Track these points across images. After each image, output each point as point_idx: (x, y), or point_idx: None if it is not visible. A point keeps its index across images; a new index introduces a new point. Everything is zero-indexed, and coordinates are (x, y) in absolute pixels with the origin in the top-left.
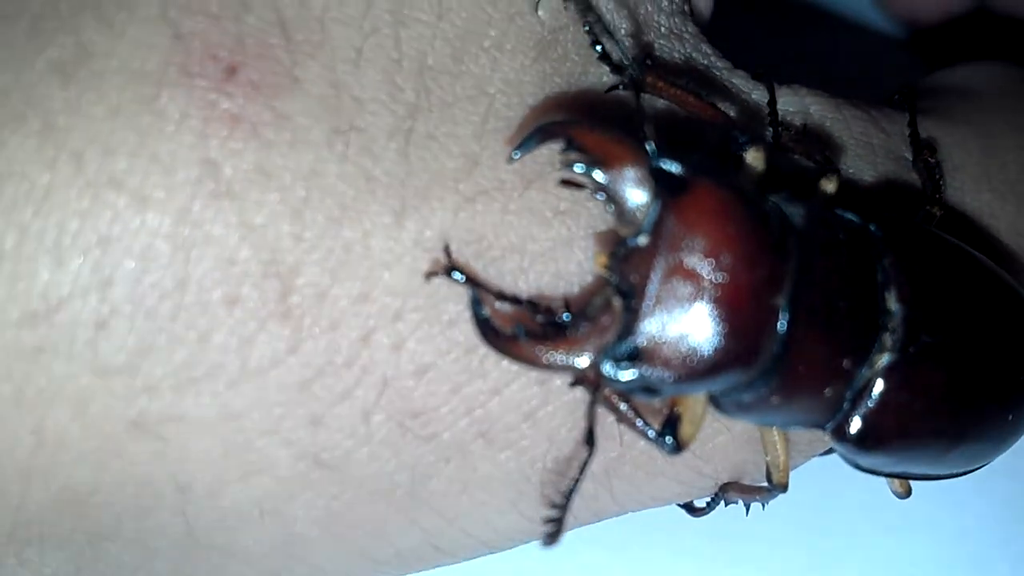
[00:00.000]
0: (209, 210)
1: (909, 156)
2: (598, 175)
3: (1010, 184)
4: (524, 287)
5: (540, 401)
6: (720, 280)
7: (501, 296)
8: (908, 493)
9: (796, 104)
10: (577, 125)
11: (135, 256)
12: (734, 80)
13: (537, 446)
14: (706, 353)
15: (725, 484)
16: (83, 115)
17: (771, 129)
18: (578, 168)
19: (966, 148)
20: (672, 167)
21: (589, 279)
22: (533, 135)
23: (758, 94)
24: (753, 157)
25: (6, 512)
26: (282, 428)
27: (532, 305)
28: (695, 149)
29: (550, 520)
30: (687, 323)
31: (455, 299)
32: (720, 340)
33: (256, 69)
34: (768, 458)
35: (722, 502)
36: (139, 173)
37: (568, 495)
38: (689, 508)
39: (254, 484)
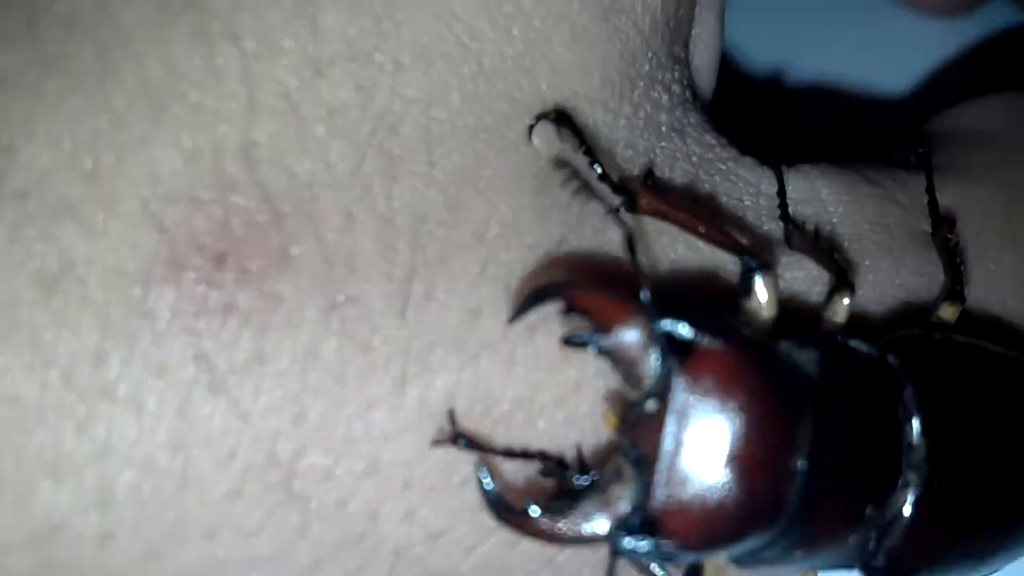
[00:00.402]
0: (205, 407)
1: (928, 229)
2: (599, 340)
3: None
4: (534, 438)
5: (558, 548)
6: (734, 447)
7: (510, 454)
8: None
9: (807, 191)
10: (574, 286)
11: (134, 466)
12: (740, 172)
13: None
14: (722, 522)
15: None
16: (69, 327)
17: (783, 226)
18: (578, 337)
19: (988, 209)
20: (675, 328)
21: (601, 424)
22: (530, 298)
23: (766, 184)
24: (763, 285)
25: None
26: None
27: (543, 458)
28: (701, 293)
29: None
30: (702, 493)
31: (465, 459)
32: (736, 509)
33: (245, 252)
34: None
35: None
36: (131, 380)
37: None
38: None
39: None
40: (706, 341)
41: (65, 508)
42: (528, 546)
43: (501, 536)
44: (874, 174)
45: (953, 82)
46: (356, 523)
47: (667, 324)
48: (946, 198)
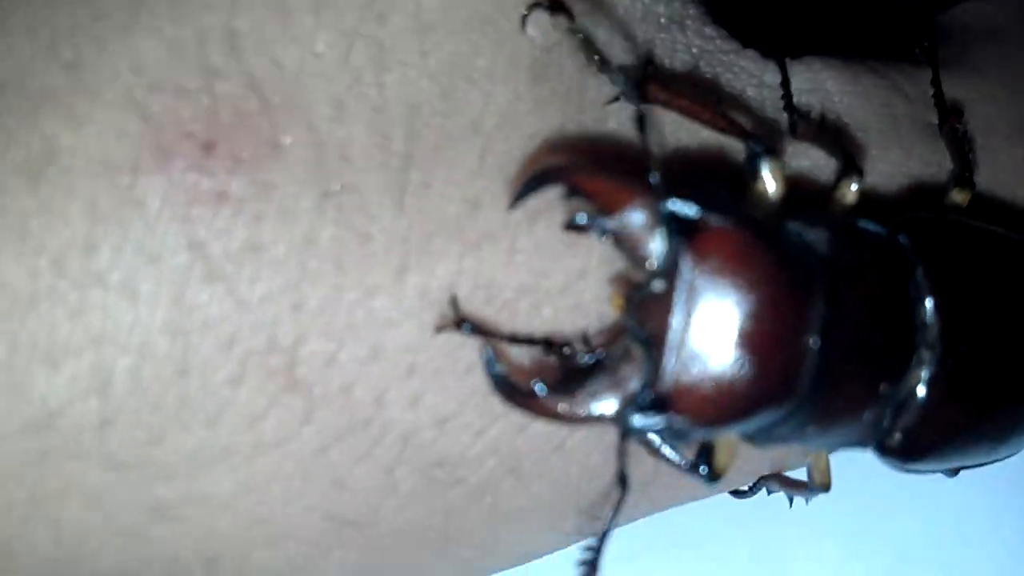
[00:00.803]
0: (202, 294)
1: (935, 121)
2: (604, 222)
3: None
4: (539, 326)
5: (567, 433)
6: (744, 324)
7: (515, 340)
8: (956, 473)
9: (811, 81)
10: (575, 169)
11: (131, 352)
12: (743, 64)
13: (569, 474)
14: (733, 399)
15: (767, 475)
16: (57, 215)
17: (787, 116)
18: (580, 219)
19: (995, 102)
20: (682, 207)
21: (607, 309)
22: (530, 183)
23: (770, 75)
24: (769, 169)
25: None
26: (304, 495)
27: (549, 345)
28: (707, 177)
29: (584, 563)
30: (712, 370)
31: (470, 346)
32: (748, 385)
33: (235, 141)
34: (809, 459)
35: (763, 489)
36: (124, 267)
37: (603, 537)
38: (733, 492)
39: (282, 548)
40: (713, 220)
41: (63, 394)
42: (537, 430)
43: (509, 421)
44: (880, 66)
45: None
46: (361, 408)
47: (674, 203)
48: (953, 91)
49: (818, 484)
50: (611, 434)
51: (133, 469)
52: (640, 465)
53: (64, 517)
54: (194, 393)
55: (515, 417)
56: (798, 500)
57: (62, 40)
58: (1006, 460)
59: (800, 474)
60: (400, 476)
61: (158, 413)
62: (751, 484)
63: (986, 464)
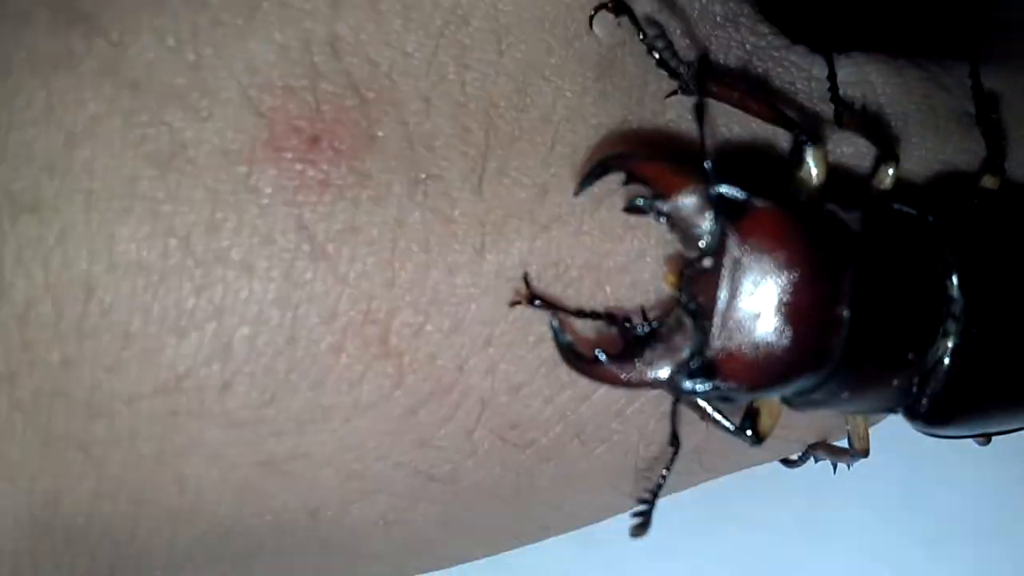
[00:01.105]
0: (308, 271)
1: (972, 111)
2: (659, 204)
3: None
4: (602, 301)
5: (627, 401)
6: (783, 297)
7: (581, 314)
8: (988, 441)
9: (856, 75)
10: (634, 157)
11: (248, 322)
12: (792, 59)
13: (629, 439)
14: (773, 365)
15: (813, 444)
16: (184, 200)
17: (833, 107)
18: (639, 202)
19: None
20: (730, 191)
21: (664, 287)
22: (594, 170)
23: (818, 69)
24: (813, 157)
25: (160, 548)
26: (394, 452)
27: (610, 318)
28: (754, 165)
29: (638, 513)
30: (754, 338)
31: (540, 321)
32: (786, 352)
33: (336, 134)
34: (848, 427)
35: (812, 458)
36: (242, 247)
37: (655, 491)
38: (784, 460)
39: (375, 501)
40: (758, 202)
41: (189, 360)
42: (599, 398)
43: (574, 389)
44: (922, 60)
45: None
46: (445, 375)
47: (723, 188)
48: (990, 83)
49: (858, 450)
50: (666, 402)
51: (248, 427)
52: (693, 433)
53: (187, 472)
54: (301, 359)
55: (580, 386)
56: (842, 468)
57: (186, 44)
58: None
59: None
60: (478, 437)
61: (270, 377)
62: (800, 453)
63: (1013, 431)
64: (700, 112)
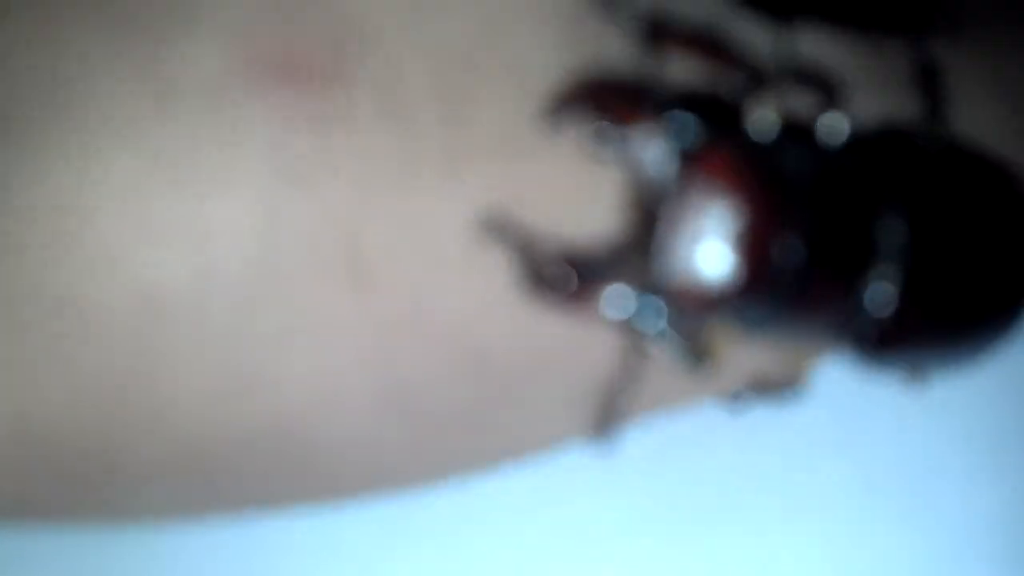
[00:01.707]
0: (283, 192)
1: (914, 76)
2: (615, 132)
3: (1020, 95)
4: (562, 233)
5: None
6: (731, 223)
7: (540, 245)
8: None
9: (808, 43)
10: (596, 86)
11: (224, 239)
12: (736, 24)
13: (585, 367)
14: (722, 287)
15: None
16: (171, 122)
17: (776, 65)
18: (597, 130)
19: (975, 61)
20: (684, 120)
21: (621, 223)
22: (559, 101)
23: (761, 33)
24: (764, 101)
25: (135, 457)
26: (363, 372)
27: (568, 249)
28: (707, 103)
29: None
30: (705, 261)
31: (502, 249)
32: (733, 275)
33: (313, 66)
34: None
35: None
36: (224, 168)
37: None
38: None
39: (343, 422)
40: (711, 133)
41: (164, 271)
42: (559, 325)
43: (535, 318)
44: (868, 30)
45: None
46: (412, 297)
47: (675, 115)
48: (935, 53)
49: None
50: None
51: (222, 340)
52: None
53: (158, 385)
54: (273, 276)
55: (541, 314)
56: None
57: None
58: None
59: None
60: (443, 359)
61: (243, 291)
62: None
63: (953, 367)
64: (648, 44)
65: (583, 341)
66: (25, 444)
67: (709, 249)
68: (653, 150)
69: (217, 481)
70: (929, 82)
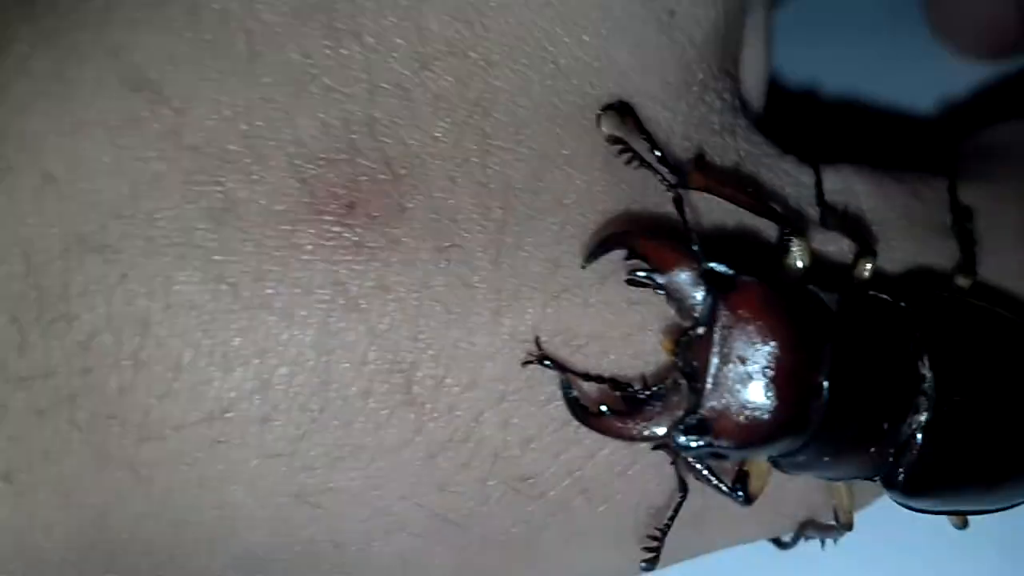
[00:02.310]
0: (342, 322)
1: (948, 222)
2: (657, 278)
3: None
4: (607, 368)
5: (629, 461)
6: (766, 362)
7: (587, 377)
8: (965, 524)
9: (841, 183)
10: (635, 235)
11: (287, 363)
12: (784, 166)
13: (630, 499)
14: (759, 424)
15: (804, 522)
16: (234, 251)
17: (819, 210)
18: (639, 274)
19: (1004, 209)
20: (719, 268)
21: (662, 359)
22: (599, 246)
23: (806, 177)
24: (797, 247)
25: (197, 571)
26: (415, 494)
27: (614, 383)
28: (742, 248)
29: (649, 549)
30: (742, 400)
31: (549, 381)
32: (770, 413)
33: (370, 202)
34: (834, 502)
35: (803, 538)
36: (284, 296)
37: (664, 529)
38: (776, 541)
39: (395, 540)
40: (743, 278)
41: (232, 392)
42: (604, 457)
43: (581, 447)
44: (903, 174)
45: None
46: (462, 425)
47: (711, 263)
48: (966, 197)
49: (843, 523)
50: (666, 465)
51: (283, 459)
52: (692, 501)
53: (226, 498)
54: (333, 399)
55: (586, 445)
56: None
57: (240, 115)
58: None
59: None
60: (492, 486)
61: (305, 414)
62: (791, 535)
63: (988, 511)
64: (679, 202)
65: (628, 474)
66: (100, 544)
67: (746, 386)
68: (692, 293)
69: None
70: (961, 227)
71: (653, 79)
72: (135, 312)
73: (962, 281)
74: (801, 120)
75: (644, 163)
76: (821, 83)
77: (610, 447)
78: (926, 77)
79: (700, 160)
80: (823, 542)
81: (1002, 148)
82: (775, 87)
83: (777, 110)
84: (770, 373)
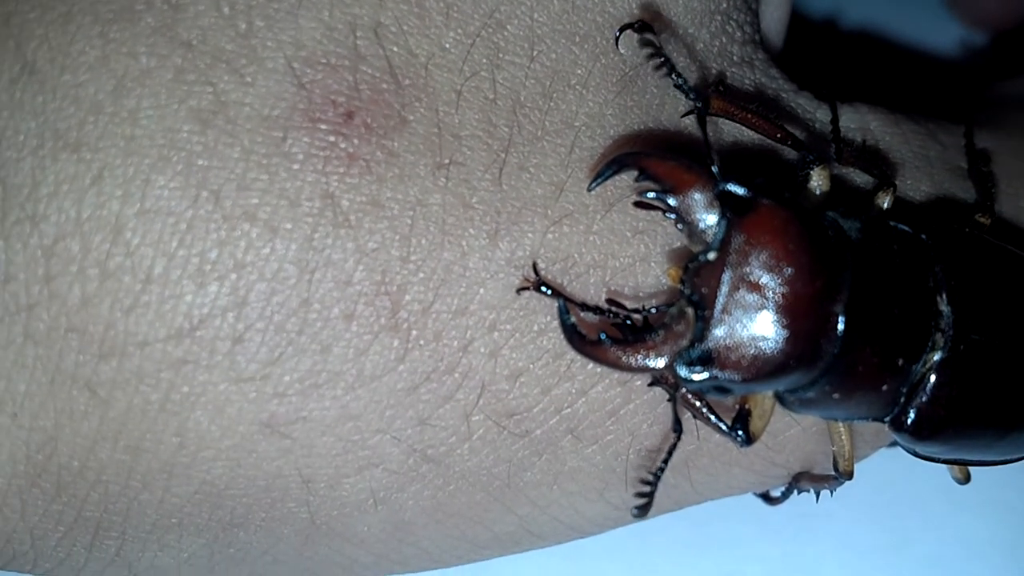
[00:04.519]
0: (329, 238)
1: (965, 166)
2: (669, 199)
3: None
4: (605, 297)
5: (623, 400)
6: (781, 290)
7: (585, 307)
8: (967, 478)
9: (858, 121)
10: (648, 156)
11: (266, 279)
12: (800, 101)
13: (621, 440)
14: (770, 356)
15: (797, 474)
16: (220, 156)
17: (834, 146)
18: (650, 195)
19: (1021, 156)
20: (737, 189)
21: (666, 283)
22: (609, 166)
23: (822, 113)
24: (818, 175)
25: (151, 505)
26: (393, 427)
27: (614, 311)
28: (760, 172)
29: (641, 494)
30: (753, 329)
31: (544, 311)
32: (782, 344)
33: (370, 113)
34: (834, 448)
35: (795, 491)
36: (269, 207)
37: (658, 473)
38: (765, 497)
39: (368, 477)
40: (761, 200)
41: (205, 308)
42: (596, 394)
43: (573, 383)
44: (919, 117)
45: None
46: (449, 354)
47: (729, 184)
48: (982, 143)
49: (843, 471)
50: (660, 406)
51: (254, 384)
52: (683, 446)
53: (189, 424)
54: (312, 321)
55: (579, 380)
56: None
57: (240, 13)
58: None
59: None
60: (475, 422)
61: (281, 335)
62: (783, 488)
63: (992, 463)
64: (703, 121)
65: (620, 413)
66: (48, 473)
67: (758, 316)
68: (705, 215)
69: (234, 537)
70: (978, 169)
71: (677, 3)
72: (107, 216)
73: (982, 219)
74: (820, 58)
75: (672, 71)
76: (842, 22)
77: (603, 384)
78: (946, 28)
79: (722, 84)
80: (818, 495)
81: (1019, 100)
82: (796, 22)
83: (797, 46)
84: (784, 301)
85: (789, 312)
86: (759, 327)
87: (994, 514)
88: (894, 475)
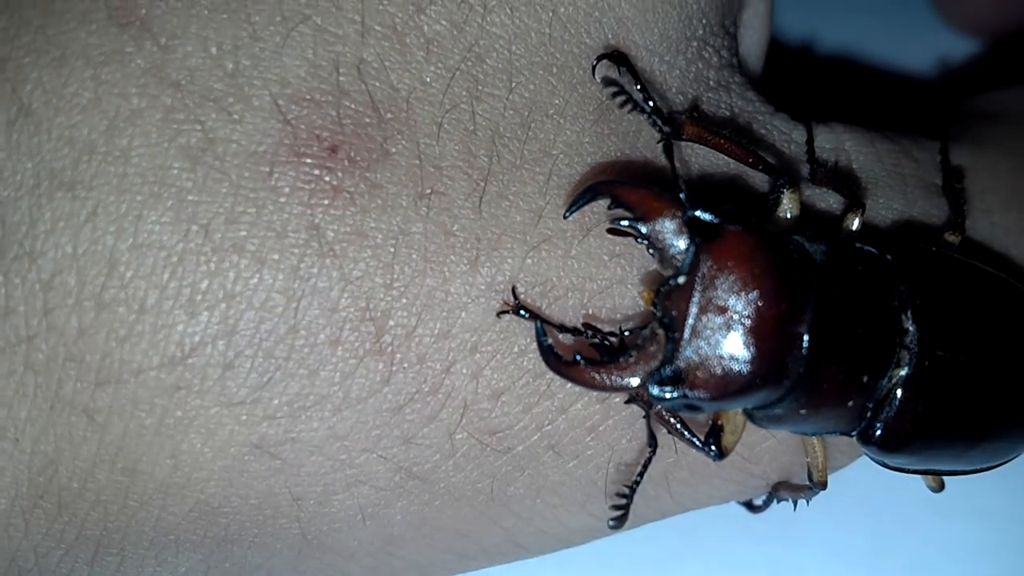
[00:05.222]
0: (315, 267)
1: (939, 182)
2: (640, 226)
3: None
4: (583, 319)
5: (601, 416)
6: (747, 313)
7: (563, 328)
8: (941, 486)
9: (832, 141)
10: (620, 184)
11: (255, 308)
12: (776, 123)
13: (601, 455)
14: (737, 375)
15: (777, 483)
16: (209, 192)
17: (809, 166)
18: (623, 223)
19: (995, 171)
20: (704, 216)
21: (641, 305)
22: (583, 195)
23: (798, 134)
24: (788, 199)
25: (148, 523)
26: (379, 446)
27: (590, 332)
28: (729, 197)
29: (617, 507)
30: (720, 350)
31: (524, 333)
32: (749, 364)
33: (353, 146)
34: (808, 460)
35: (775, 500)
36: (257, 239)
37: (633, 487)
38: (748, 505)
39: (356, 494)
40: (727, 226)
41: (196, 337)
42: (575, 412)
43: (553, 401)
44: (895, 135)
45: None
46: (432, 376)
47: (696, 211)
48: (959, 160)
49: (816, 482)
50: (638, 423)
51: (244, 407)
52: (663, 458)
53: (183, 446)
54: (300, 347)
55: (559, 399)
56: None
57: (226, 54)
58: None
59: None
60: (459, 440)
61: (270, 361)
62: (764, 497)
63: (963, 473)
64: (668, 149)
65: (599, 429)
66: (49, 494)
67: (725, 336)
68: (675, 241)
69: (228, 553)
70: (951, 186)
71: (652, 32)
72: (101, 251)
73: (951, 237)
74: (798, 79)
75: (637, 107)
76: (820, 43)
77: (582, 402)
78: (923, 43)
79: (695, 111)
80: (795, 503)
81: (995, 114)
82: (774, 45)
83: (774, 68)
84: (750, 323)
85: (755, 333)
86: (726, 348)
87: (974, 520)
88: (877, 482)
